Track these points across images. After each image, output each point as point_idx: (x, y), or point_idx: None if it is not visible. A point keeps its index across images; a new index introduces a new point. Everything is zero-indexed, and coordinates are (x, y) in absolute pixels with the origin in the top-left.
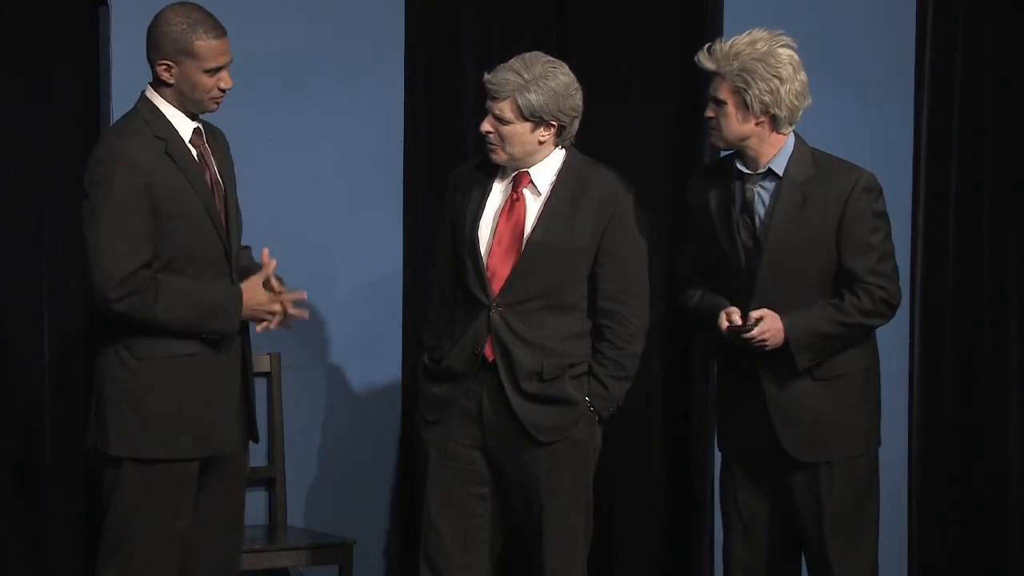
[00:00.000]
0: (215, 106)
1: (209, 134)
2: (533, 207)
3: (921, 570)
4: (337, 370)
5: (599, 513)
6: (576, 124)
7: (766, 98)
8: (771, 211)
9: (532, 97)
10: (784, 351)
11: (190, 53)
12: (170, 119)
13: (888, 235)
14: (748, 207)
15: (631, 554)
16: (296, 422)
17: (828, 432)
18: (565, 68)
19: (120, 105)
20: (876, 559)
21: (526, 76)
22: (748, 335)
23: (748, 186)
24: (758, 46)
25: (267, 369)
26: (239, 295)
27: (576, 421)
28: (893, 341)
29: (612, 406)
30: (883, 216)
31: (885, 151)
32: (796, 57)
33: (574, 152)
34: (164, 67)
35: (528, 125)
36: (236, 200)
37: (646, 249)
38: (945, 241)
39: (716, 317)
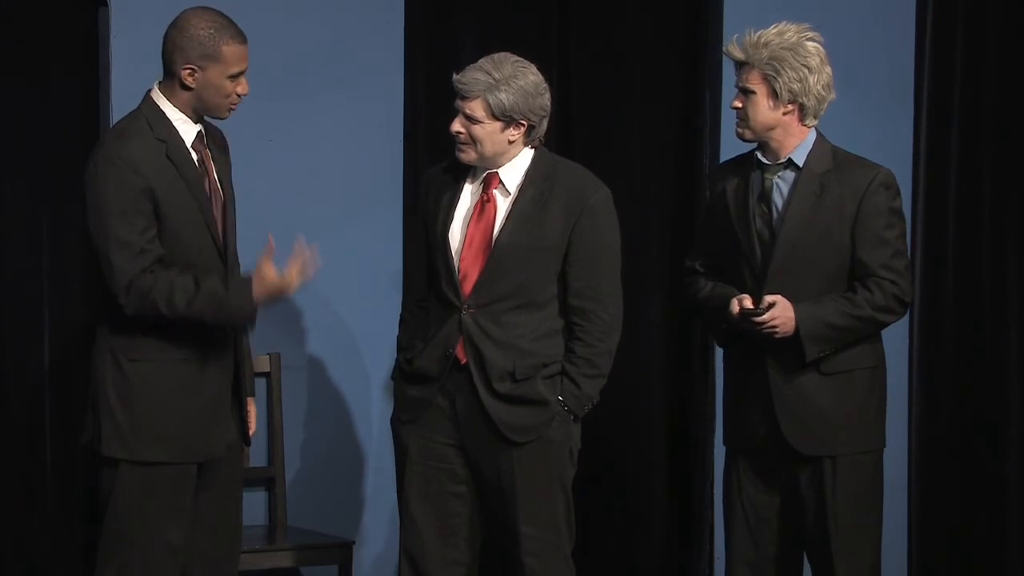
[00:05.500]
0: (228, 113)
1: (209, 137)
2: (503, 208)
3: (921, 570)
4: (337, 370)
5: (599, 512)
6: (545, 124)
7: (795, 86)
8: (788, 200)
9: (502, 96)
10: (794, 341)
11: (216, 58)
12: (174, 122)
13: (903, 233)
14: (766, 196)
15: (631, 553)
16: (296, 422)
17: (830, 426)
18: (534, 68)
19: (120, 105)
20: (879, 558)
21: (496, 76)
22: (759, 319)
23: (767, 176)
24: (787, 36)
25: (267, 369)
26: (247, 283)
27: (549, 421)
28: (893, 341)
29: (587, 405)
30: (899, 214)
31: (885, 151)
32: (823, 50)
33: (543, 151)
34: (188, 71)
35: (498, 124)
36: (233, 206)
37: (617, 245)
38: (945, 241)
39: (727, 307)
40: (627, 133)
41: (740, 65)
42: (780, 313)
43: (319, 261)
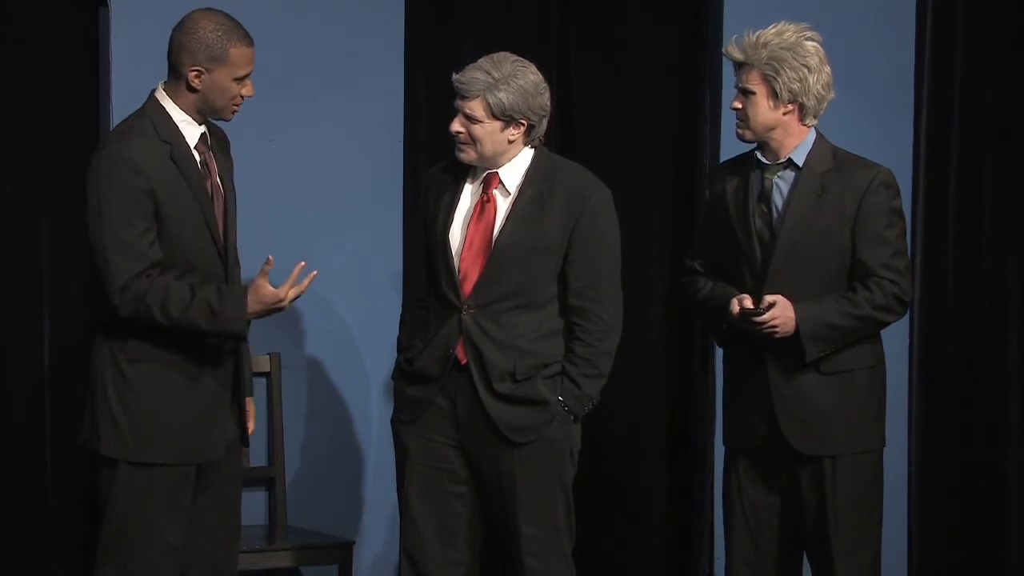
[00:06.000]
0: (232, 115)
1: (213, 137)
2: (503, 208)
3: (921, 570)
4: (337, 370)
5: (599, 512)
6: (544, 123)
7: (795, 86)
8: (788, 200)
9: (502, 96)
10: (794, 341)
11: (224, 60)
12: (178, 123)
13: (903, 233)
14: (766, 196)
15: (631, 553)
16: (296, 422)
17: (830, 426)
18: (533, 68)
19: (120, 105)
20: (879, 558)
21: (495, 75)
22: (759, 319)
23: (767, 176)
24: (785, 36)
25: (267, 369)
26: (243, 296)
27: (550, 421)
28: (893, 341)
29: (587, 405)
30: (899, 213)
31: (885, 151)
32: (822, 50)
33: (543, 150)
34: (195, 73)
35: (498, 124)
36: (235, 207)
37: (617, 245)
38: (945, 241)
39: (726, 307)
40: (627, 133)
41: (739, 66)
42: (780, 313)
43: (316, 276)
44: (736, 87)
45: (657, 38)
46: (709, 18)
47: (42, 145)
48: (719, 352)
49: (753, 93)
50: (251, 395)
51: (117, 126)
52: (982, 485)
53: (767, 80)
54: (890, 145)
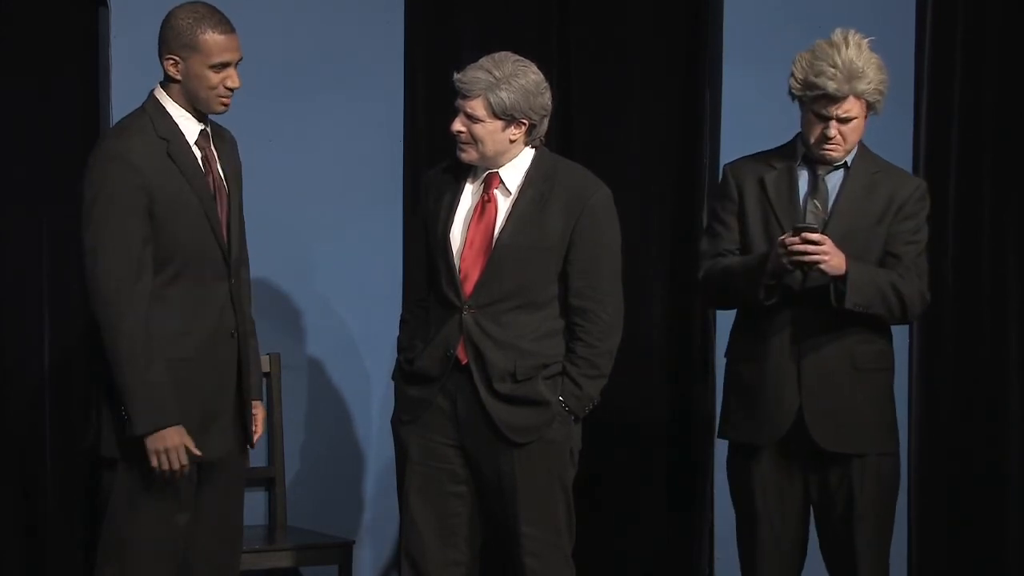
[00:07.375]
0: (222, 108)
1: (217, 136)
2: (504, 208)
3: (921, 570)
4: (337, 370)
5: (599, 512)
6: (545, 123)
7: (882, 98)
8: (840, 194)
9: (503, 95)
10: (833, 288)
11: (195, 47)
12: (176, 120)
13: (926, 244)
14: (821, 194)
15: (631, 553)
16: (296, 422)
17: (860, 424)
18: (534, 67)
19: (120, 105)
20: (889, 558)
21: (497, 74)
22: (815, 237)
23: (820, 173)
24: (864, 49)
25: (267, 369)
26: (163, 406)
27: (550, 421)
28: (893, 340)
29: (587, 405)
30: (926, 226)
31: (885, 151)
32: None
33: (544, 151)
34: (171, 62)
35: (499, 123)
36: (240, 204)
37: (617, 245)
38: (945, 241)
39: (762, 263)
40: (627, 133)
41: (832, 99)
42: (832, 247)
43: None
44: (823, 114)
45: (657, 38)
46: (709, 18)
47: (42, 145)
48: (720, 352)
49: (855, 118)
50: (260, 398)
51: (116, 123)
52: (982, 485)
53: (872, 105)
54: (890, 145)
